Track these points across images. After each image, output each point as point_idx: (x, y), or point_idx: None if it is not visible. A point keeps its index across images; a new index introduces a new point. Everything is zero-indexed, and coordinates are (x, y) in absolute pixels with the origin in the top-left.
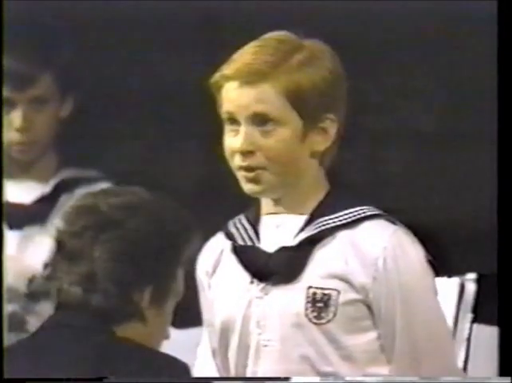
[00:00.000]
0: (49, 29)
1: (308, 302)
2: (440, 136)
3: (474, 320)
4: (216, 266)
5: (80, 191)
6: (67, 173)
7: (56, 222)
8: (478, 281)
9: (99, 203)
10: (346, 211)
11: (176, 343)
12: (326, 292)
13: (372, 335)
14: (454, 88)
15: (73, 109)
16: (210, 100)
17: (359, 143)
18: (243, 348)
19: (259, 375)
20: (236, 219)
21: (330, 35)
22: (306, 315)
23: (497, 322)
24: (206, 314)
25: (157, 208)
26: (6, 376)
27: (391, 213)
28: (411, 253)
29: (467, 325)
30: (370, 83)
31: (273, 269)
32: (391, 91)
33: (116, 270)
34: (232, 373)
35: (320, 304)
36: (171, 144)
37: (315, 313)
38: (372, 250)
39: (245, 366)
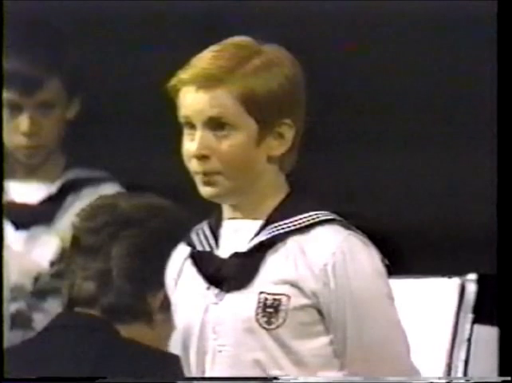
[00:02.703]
0: (55, 32)
1: (259, 307)
2: (440, 136)
3: (475, 320)
4: (180, 273)
5: (87, 192)
6: (73, 174)
7: (73, 218)
8: (479, 281)
9: (119, 203)
10: (299, 217)
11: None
12: (276, 297)
13: (324, 340)
14: (454, 89)
15: (80, 110)
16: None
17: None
18: (201, 352)
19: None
20: (198, 226)
21: (330, 35)
22: (257, 320)
23: (497, 323)
24: (176, 320)
25: (175, 211)
26: (6, 376)
27: (388, 215)
28: (362, 258)
29: (468, 325)
30: (370, 83)
31: (226, 275)
32: (391, 91)
33: (133, 269)
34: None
35: (270, 309)
36: (178, 145)
37: (265, 319)
38: (321, 256)
39: (203, 371)
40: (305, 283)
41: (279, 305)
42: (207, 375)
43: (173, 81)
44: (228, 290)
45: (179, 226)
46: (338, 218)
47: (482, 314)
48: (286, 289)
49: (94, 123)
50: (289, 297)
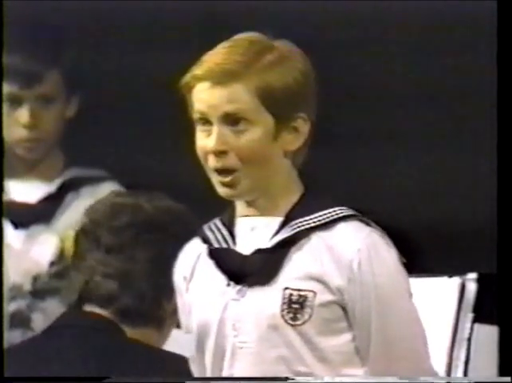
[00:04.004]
0: (56, 28)
1: (284, 304)
2: (440, 136)
3: (475, 320)
4: (193, 271)
5: (86, 191)
6: (72, 173)
7: (89, 213)
8: (479, 281)
9: (142, 203)
10: (321, 213)
11: (176, 343)
12: (302, 293)
13: (346, 337)
14: (453, 89)
15: (79, 109)
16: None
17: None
18: (219, 351)
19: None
20: (211, 223)
21: (330, 35)
22: (282, 316)
23: (497, 322)
24: (184, 320)
25: (190, 216)
26: (7, 375)
27: (389, 214)
28: (385, 255)
29: (468, 324)
30: (370, 83)
31: (249, 271)
32: (390, 91)
33: (155, 274)
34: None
35: (296, 305)
36: (179, 144)
37: (291, 315)
38: (347, 252)
39: (220, 369)
40: (330, 279)
41: (305, 301)
42: (226, 373)
43: (186, 78)
44: (250, 286)
45: (193, 232)
46: (358, 214)
47: (482, 314)
48: (312, 285)
49: (93, 122)
50: (315, 293)
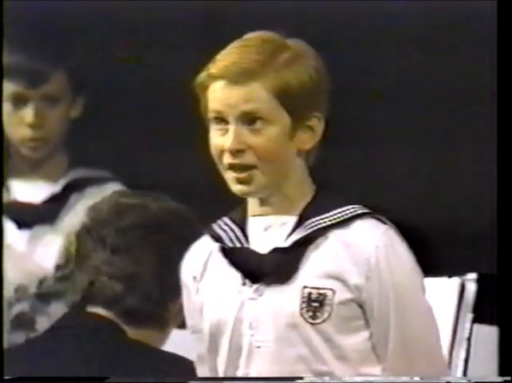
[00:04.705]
0: (62, 28)
1: (303, 302)
2: (440, 136)
3: (475, 320)
4: (204, 270)
5: (91, 191)
6: (77, 173)
7: (94, 214)
8: (479, 281)
9: (149, 204)
10: (337, 211)
11: (176, 343)
12: (322, 291)
13: (364, 335)
14: (453, 89)
15: (84, 109)
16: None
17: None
18: (234, 350)
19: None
20: (220, 222)
21: (331, 35)
22: (301, 315)
23: (497, 322)
24: (191, 320)
25: (194, 217)
26: (7, 376)
27: (391, 213)
28: (402, 252)
29: (468, 325)
30: (369, 83)
31: (266, 270)
32: (390, 91)
33: (160, 275)
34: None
35: (315, 303)
36: (181, 144)
37: (310, 313)
38: (364, 250)
39: (236, 368)
40: (348, 277)
41: (324, 299)
42: (241, 372)
43: (201, 77)
44: (268, 285)
45: (200, 232)
46: (373, 211)
47: (481, 314)
48: (331, 283)
49: (98, 122)
50: (334, 291)
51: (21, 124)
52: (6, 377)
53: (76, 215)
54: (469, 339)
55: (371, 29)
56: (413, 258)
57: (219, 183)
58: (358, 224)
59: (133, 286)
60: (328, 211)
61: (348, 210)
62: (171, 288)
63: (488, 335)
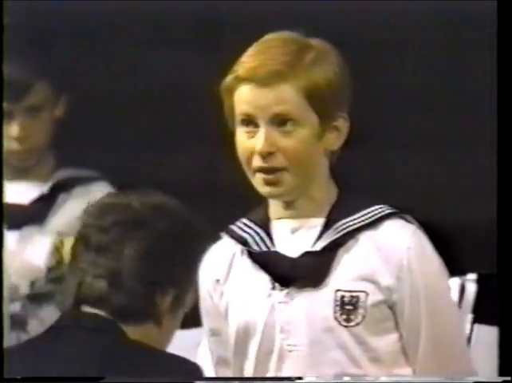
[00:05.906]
0: (43, 32)
1: (336, 305)
2: (440, 136)
3: (475, 320)
4: (228, 273)
5: (79, 191)
6: (64, 173)
7: (80, 216)
8: (479, 281)
9: (132, 202)
10: (364, 212)
11: (176, 343)
12: (354, 294)
13: (394, 336)
14: (454, 89)
15: (70, 109)
16: (216, 103)
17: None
18: (264, 354)
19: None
20: (241, 223)
21: (331, 35)
22: (335, 318)
23: (497, 322)
24: (211, 323)
25: (182, 212)
26: (6, 376)
27: None
28: (430, 252)
29: (468, 325)
30: (368, 83)
31: (298, 274)
32: (390, 91)
33: (144, 270)
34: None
35: (349, 306)
36: (169, 144)
37: (344, 316)
38: (396, 251)
39: (265, 372)
40: (380, 278)
41: (357, 301)
42: (272, 375)
43: (229, 80)
44: (300, 289)
45: (185, 227)
46: (399, 211)
47: (482, 314)
48: (363, 285)
49: (84, 122)
50: (367, 293)
51: (7, 138)
52: (6, 377)
53: (64, 215)
54: (469, 339)
55: (370, 30)
56: (440, 258)
57: (211, 181)
58: (388, 225)
59: (117, 283)
60: (355, 213)
61: (376, 210)
62: (156, 283)
63: (488, 335)
